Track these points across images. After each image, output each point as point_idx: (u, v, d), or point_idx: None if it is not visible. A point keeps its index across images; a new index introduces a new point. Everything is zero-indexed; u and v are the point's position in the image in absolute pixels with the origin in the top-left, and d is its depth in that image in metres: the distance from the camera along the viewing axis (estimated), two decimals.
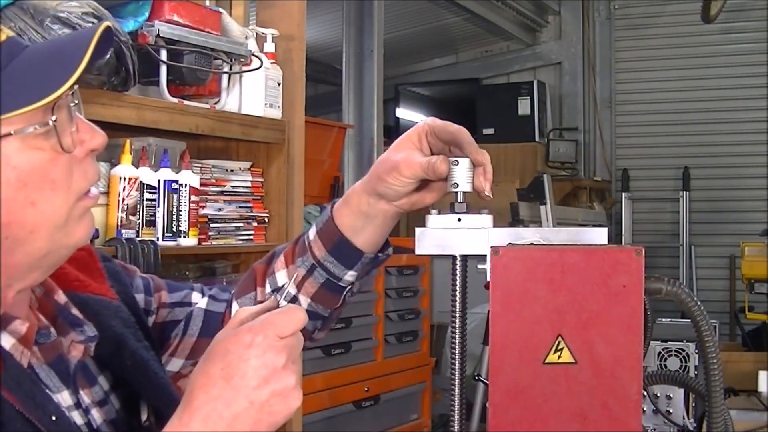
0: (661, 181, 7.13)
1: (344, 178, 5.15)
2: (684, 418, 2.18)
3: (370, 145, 5.28)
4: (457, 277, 1.15)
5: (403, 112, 7.51)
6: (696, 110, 7.02)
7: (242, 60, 2.91)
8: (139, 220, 2.58)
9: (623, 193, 7.05)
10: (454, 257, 1.14)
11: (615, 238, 6.81)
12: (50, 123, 0.98)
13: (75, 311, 1.11)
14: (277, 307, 1.04)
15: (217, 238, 2.93)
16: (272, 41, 3.08)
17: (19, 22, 2.18)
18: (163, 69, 2.65)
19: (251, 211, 3.05)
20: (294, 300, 1.28)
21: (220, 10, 2.92)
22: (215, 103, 2.91)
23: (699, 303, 1.12)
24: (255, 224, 3.06)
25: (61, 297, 1.11)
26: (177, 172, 2.71)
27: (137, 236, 2.54)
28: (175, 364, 1.32)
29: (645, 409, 2.08)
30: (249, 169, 3.08)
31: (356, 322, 3.99)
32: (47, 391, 1.04)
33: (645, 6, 7.21)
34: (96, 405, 1.09)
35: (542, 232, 1.10)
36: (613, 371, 1.02)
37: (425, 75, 7.90)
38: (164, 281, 1.36)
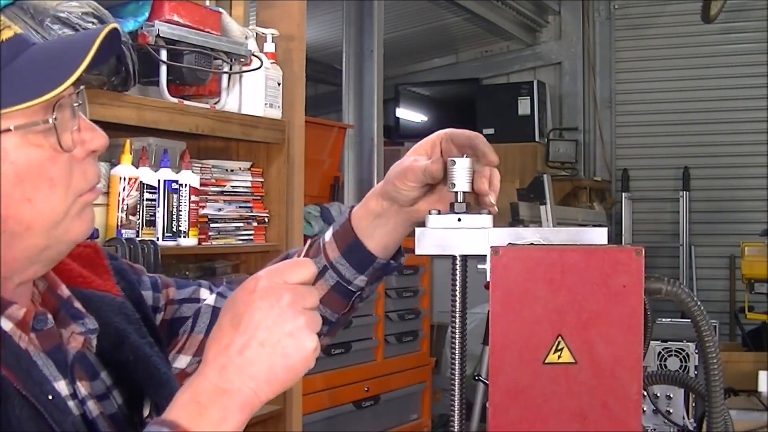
0: (661, 181, 7.13)
1: (344, 178, 5.15)
2: (684, 418, 2.18)
3: (370, 145, 5.28)
4: (457, 277, 1.14)
5: (403, 112, 7.51)
6: (696, 110, 7.02)
7: (242, 60, 2.91)
8: (139, 220, 2.58)
9: (623, 193, 7.05)
10: (454, 257, 1.14)
11: (615, 238, 6.81)
12: (50, 121, 0.99)
13: (77, 304, 1.11)
14: None
15: (217, 238, 2.93)
16: (272, 41, 3.08)
17: (19, 22, 2.17)
18: (163, 69, 2.65)
19: (251, 211, 3.05)
20: None
21: (220, 10, 2.92)
22: (215, 103, 2.91)
23: (699, 303, 1.12)
24: (255, 224, 3.07)
25: (64, 291, 1.11)
26: (177, 172, 2.71)
27: (137, 236, 2.54)
28: (182, 361, 1.32)
29: (645, 409, 2.08)
30: (249, 169, 3.08)
31: (356, 322, 3.99)
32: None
33: (645, 6, 7.21)
34: (93, 398, 1.09)
35: (542, 232, 1.10)
36: (613, 371, 1.02)
37: (425, 75, 7.90)
38: (172, 279, 1.37)
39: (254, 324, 0.95)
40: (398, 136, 7.43)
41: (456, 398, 1.14)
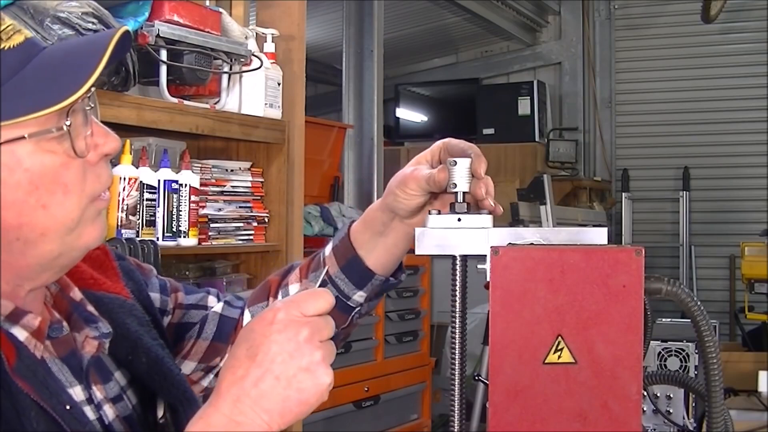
0: (661, 181, 7.13)
1: (344, 178, 5.15)
2: (684, 418, 2.18)
3: (370, 145, 5.28)
4: (457, 277, 1.15)
5: (403, 112, 7.51)
6: (696, 110, 7.01)
7: (242, 60, 2.91)
8: (139, 220, 2.58)
9: (623, 193, 7.04)
10: (454, 257, 1.14)
11: (615, 238, 6.81)
12: (64, 127, 0.98)
13: (90, 308, 1.11)
14: None
15: (217, 238, 2.93)
16: (272, 41, 3.08)
17: (19, 22, 2.17)
18: (163, 69, 2.65)
19: (251, 211, 3.05)
20: None
21: (220, 10, 2.92)
22: (215, 103, 2.91)
23: (699, 303, 1.12)
24: (255, 224, 3.07)
25: (76, 294, 1.12)
26: (177, 172, 2.71)
27: (137, 236, 2.54)
28: (187, 367, 1.33)
29: (645, 409, 2.08)
30: (249, 169, 3.08)
31: None
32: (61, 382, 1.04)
33: (645, 6, 7.21)
34: (108, 401, 1.09)
35: (542, 232, 1.10)
36: (613, 371, 1.02)
37: (425, 75, 7.90)
38: (181, 284, 1.37)
39: (270, 357, 0.95)
40: (398, 136, 7.43)
41: (456, 398, 1.14)
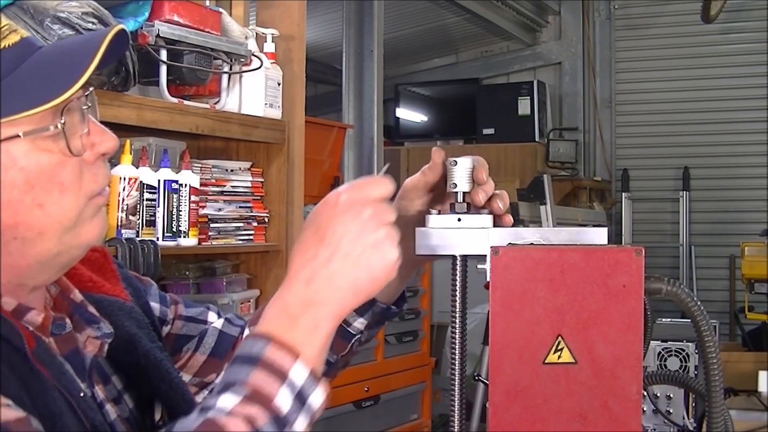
0: (661, 181, 7.13)
1: (344, 178, 5.15)
2: (684, 418, 2.18)
3: (370, 145, 5.28)
4: (457, 277, 1.15)
5: (403, 112, 7.51)
6: (696, 110, 7.01)
7: (242, 60, 2.91)
8: (139, 220, 2.58)
9: (623, 193, 7.04)
10: (454, 257, 1.14)
11: (615, 238, 6.81)
12: (59, 126, 0.98)
13: (91, 309, 1.11)
14: None
15: (217, 238, 2.93)
16: (272, 41, 3.08)
17: (19, 22, 2.17)
18: (163, 69, 2.65)
19: (251, 211, 3.05)
20: None
21: (220, 10, 2.92)
22: (215, 103, 2.91)
23: (699, 303, 1.12)
24: (255, 224, 3.07)
25: (77, 296, 1.12)
26: (177, 172, 2.71)
27: (137, 236, 2.54)
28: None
29: (645, 409, 2.08)
30: (249, 169, 3.08)
31: None
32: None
33: (645, 6, 7.21)
34: (110, 401, 1.10)
35: (542, 232, 1.10)
36: (613, 371, 1.02)
37: (425, 75, 7.90)
38: (180, 297, 1.37)
39: (337, 237, 0.97)
40: (398, 136, 7.42)
41: (456, 398, 1.14)
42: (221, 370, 1.31)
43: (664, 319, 2.50)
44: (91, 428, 1.00)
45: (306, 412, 0.95)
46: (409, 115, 7.55)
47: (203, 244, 2.84)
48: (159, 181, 2.64)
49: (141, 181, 2.57)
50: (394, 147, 7.04)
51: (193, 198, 2.73)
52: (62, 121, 0.98)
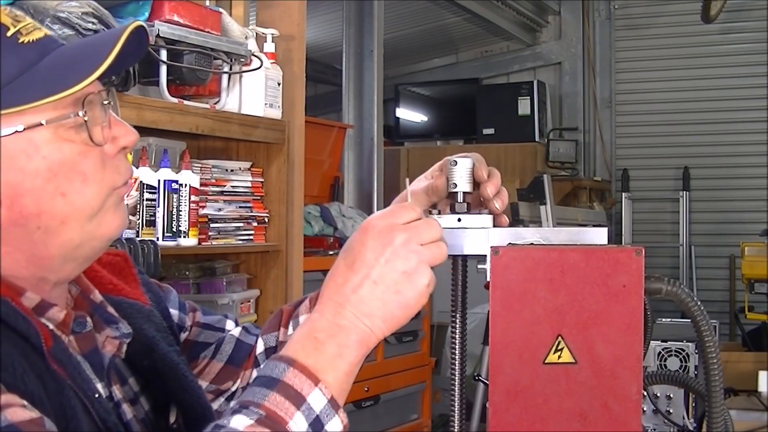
0: (661, 181, 7.13)
1: (344, 178, 5.15)
2: (684, 418, 2.18)
3: (370, 145, 5.27)
4: (458, 277, 1.15)
5: (403, 112, 7.50)
6: (696, 110, 7.01)
7: (242, 60, 2.91)
8: (139, 220, 2.58)
9: (623, 193, 7.04)
10: (454, 257, 1.14)
11: (615, 238, 6.81)
12: (80, 114, 1.00)
13: (110, 309, 1.12)
14: None
15: (217, 238, 2.93)
16: (272, 41, 3.08)
17: None
18: (163, 69, 2.65)
19: (251, 211, 3.05)
20: None
21: (220, 10, 2.92)
22: (215, 103, 2.91)
23: (699, 303, 1.12)
24: (255, 224, 3.06)
25: (96, 296, 1.13)
26: (177, 172, 2.71)
27: (137, 236, 2.54)
28: None
29: (645, 409, 2.08)
30: (249, 169, 3.08)
31: None
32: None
33: (645, 6, 7.21)
34: (127, 401, 1.11)
35: (542, 232, 1.10)
36: (613, 371, 1.02)
37: (425, 75, 7.90)
38: (198, 306, 1.38)
39: (367, 263, 0.98)
40: (398, 136, 7.42)
41: (456, 398, 1.14)
42: (238, 377, 1.32)
43: (664, 319, 2.50)
44: (104, 429, 1.00)
45: None
46: (409, 115, 7.55)
47: (203, 244, 2.84)
48: (159, 181, 2.64)
49: (141, 181, 2.57)
50: (394, 147, 7.04)
51: (193, 198, 2.72)
52: (83, 111, 1.00)
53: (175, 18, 2.67)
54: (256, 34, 3.03)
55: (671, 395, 2.19)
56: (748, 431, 2.60)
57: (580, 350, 1.02)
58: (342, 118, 5.38)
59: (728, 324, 6.41)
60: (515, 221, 5.18)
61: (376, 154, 5.27)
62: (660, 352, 2.30)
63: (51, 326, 1.03)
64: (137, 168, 2.57)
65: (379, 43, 5.36)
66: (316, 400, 0.94)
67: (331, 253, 3.87)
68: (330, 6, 5.81)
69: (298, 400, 0.93)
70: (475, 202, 1.20)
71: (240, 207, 3.02)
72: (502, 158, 6.68)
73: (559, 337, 1.02)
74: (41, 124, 0.99)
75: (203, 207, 2.86)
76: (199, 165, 2.88)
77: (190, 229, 2.72)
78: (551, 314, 1.02)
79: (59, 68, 0.99)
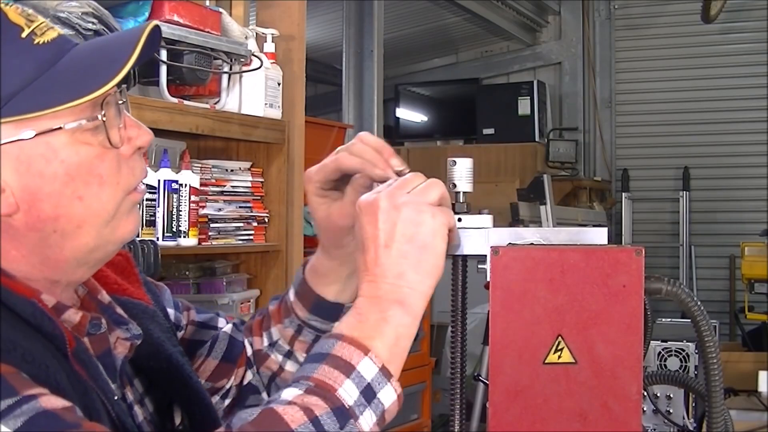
0: (661, 181, 7.12)
1: None
2: (684, 418, 2.18)
3: None
4: (458, 277, 1.14)
5: (403, 112, 7.50)
6: (696, 110, 7.01)
7: (242, 60, 2.91)
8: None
9: (623, 193, 7.04)
10: (454, 257, 1.14)
11: (615, 238, 6.80)
12: (99, 118, 1.00)
13: (119, 310, 1.11)
14: None
15: (217, 238, 2.93)
16: (272, 41, 3.08)
17: None
18: (163, 69, 2.65)
19: (251, 211, 3.05)
20: (290, 354, 1.30)
21: (220, 10, 2.92)
22: (215, 103, 2.91)
23: (699, 303, 1.12)
24: (255, 224, 3.06)
25: (104, 297, 1.12)
26: (177, 172, 2.71)
27: (137, 236, 2.54)
28: None
29: (645, 409, 2.08)
30: (249, 169, 3.08)
31: None
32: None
33: (645, 6, 7.21)
34: (137, 403, 1.10)
35: (542, 232, 1.10)
36: (613, 371, 1.02)
37: (425, 75, 7.90)
38: (191, 303, 1.38)
39: (372, 236, 1.01)
40: (398, 136, 7.42)
41: (456, 398, 1.14)
42: (232, 375, 1.32)
43: (664, 319, 2.50)
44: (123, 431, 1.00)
45: (374, 408, 0.95)
46: (409, 115, 7.55)
47: (203, 244, 2.84)
48: (159, 181, 2.64)
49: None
50: (394, 147, 6.98)
51: (193, 198, 2.72)
52: (102, 113, 1.00)
53: (175, 18, 2.67)
54: (256, 34, 3.03)
55: (671, 395, 2.19)
56: (748, 431, 2.60)
57: (580, 350, 1.02)
58: (342, 118, 5.38)
59: (728, 324, 6.41)
60: (515, 221, 5.18)
61: None
62: (660, 352, 2.30)
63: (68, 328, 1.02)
64: None
65: (379, 43, 5.36)
66: (367, 369, 0.95)
67: None
68: (330, 6, 5.81)
69: (347, 369, 0.94)
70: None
71: (240, 207, 3.02)
72: (502, 158, 6.68)
73: (559, 337, 1.02)
74: (61, 128, 0.97)
75: (203, 207, 2.86)
76: (199, 165, 2.88)
77: (190, 229, 2.72)
78: (551, 314, 1.02)
79: (78, 71, 0.98)
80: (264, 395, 1.35)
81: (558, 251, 1.03)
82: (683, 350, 2.30)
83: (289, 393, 0.92)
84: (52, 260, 1.01)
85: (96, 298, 1.11)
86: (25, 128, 0.96)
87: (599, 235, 1.10)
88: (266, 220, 3.10)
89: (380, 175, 1.13)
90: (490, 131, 6.90)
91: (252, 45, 2.96)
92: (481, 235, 1.11)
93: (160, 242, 2.60)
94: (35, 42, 0.98)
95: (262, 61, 2.95)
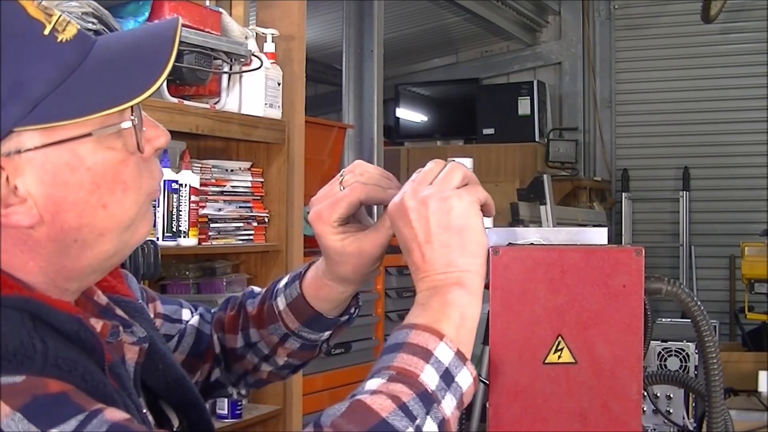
0: (661, 181, 7.12)
1: None
2: (684, 418, 2.18)
3: (370, 145, 5.27)
4: None
5: (403, 112, 7.50)
6: (696, 110, 7.01)
7: (242, 60, 2.91)
8: None
9: (623, 193, 7.04)
10: None
11: (615, 238, 6.81)
12: (131, 122, 0.95)
13: (119, 311, 1.06)
14: None
15: (217, 238, 2.93)
16: (272, 41, 3.08)
17: None
18: None
19: (251, 211, 3.05)
20: (269, 358, 1.27)
21: (220, 10, 2.92)
22: (215, 103, 2.91)
23: (699, 303, 1.12)
24: (255, 224, 3.06)
25: (101, 298, 1.06)
26: (177, 172, 2.71)
27: None
28: None
29: (645, 409, 2.08)
30: (249, 169, 3.08)
31: (356, 322, 3.96)
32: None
33: (645, 6, 7.21)
34: (148, 409, 1.05)
35: (542, 232, 1.10)
36: (613, 371, 1.02)
37: (425, 75, 7.90)
38: (155, 292, 1.32)
39: (410, 237, 1.02)
40: (398, 136, 7.42)
41: None
42: (198, 370, 1.28)
43: (664, 319, 2.50)
44: None
45: (454, 392, 0.95)
46: (409, 115, 7.55)
47: (203, 244, 2.84)
48: None
49: None
50: (394, 147, 7.03)
51: (193, 198, 2.73)
52: (133, 117, 0.95)
53: None
54: (256, 34, 3.03)
55: (671, 395, 2.19)
56: (748, 431, 2.60)
57: (580, 350, 1.02)
58: (342, 118, 5.37)
59: (728, 324, 6.41)
60: (515, 221, 5.18)
61: (376, 154, 5.27)
62: (660, 352, 2.30)
63: None
64: None
65: (379, 43, 5.36)
66: (443, 353, 0.95)
67: None
68: (330, 6, 5.81)
69: (425, 354, 0.94)
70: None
71: (240, 207, 3.02)
72: (502, 158, 6.68)
73: (559, 337, 1.02)
74: (89, 135, 0.91)
75: (203, 207, 2.86)
76: (199, 165, 2.88)
77: (190, 229, 2.72)
78: (551, 314, 1.02)
79: (110, 73, 0.92)
80: (230, 390, 1.32)
81: (558, 251, 1.03)
82: (683, 350, 2.30)
83: (373, 383, 0.93)
84: (68, 269, 0.95)
85: (92, 299, 1.05)
86: (51, 136, 0.90)
87: (599, 235, 1.10)
88: (266, 220, 3.10)
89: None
90: (490, 131, 6.90)
91: (252, 45, 2.96)
92: None
93: (160, 242, 2.60)
94: (58, 40, 0.91)
95: (262, 61, 2.95)
